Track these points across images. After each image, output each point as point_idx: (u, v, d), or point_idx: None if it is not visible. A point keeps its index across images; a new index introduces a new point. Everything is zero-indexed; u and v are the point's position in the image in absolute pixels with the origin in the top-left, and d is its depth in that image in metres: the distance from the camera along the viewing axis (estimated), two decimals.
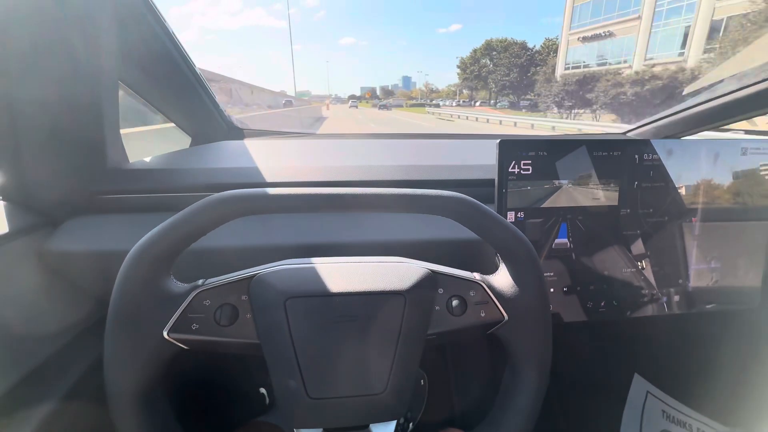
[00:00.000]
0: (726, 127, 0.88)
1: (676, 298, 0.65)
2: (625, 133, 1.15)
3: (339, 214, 0.61)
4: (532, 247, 0.39)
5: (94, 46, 0.58)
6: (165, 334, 0.34)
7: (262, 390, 0.93)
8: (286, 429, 0.63)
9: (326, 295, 0.36)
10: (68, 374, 0.55)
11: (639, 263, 0.63)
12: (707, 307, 0.65)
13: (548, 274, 0.61)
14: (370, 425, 0.41)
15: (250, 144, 0.95)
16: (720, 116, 0.86)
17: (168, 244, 0.34)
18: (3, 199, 0.57)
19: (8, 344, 0.48)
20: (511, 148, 0.57)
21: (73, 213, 0.60)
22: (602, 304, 0.62)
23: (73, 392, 0.54)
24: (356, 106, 64.32)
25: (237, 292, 0.36)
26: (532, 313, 0.39)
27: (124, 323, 0.34)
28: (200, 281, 0.37)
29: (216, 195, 0.34)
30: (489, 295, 0.39)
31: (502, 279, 0.40)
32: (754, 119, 0.87)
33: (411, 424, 0.94)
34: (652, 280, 0.64)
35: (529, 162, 0.57)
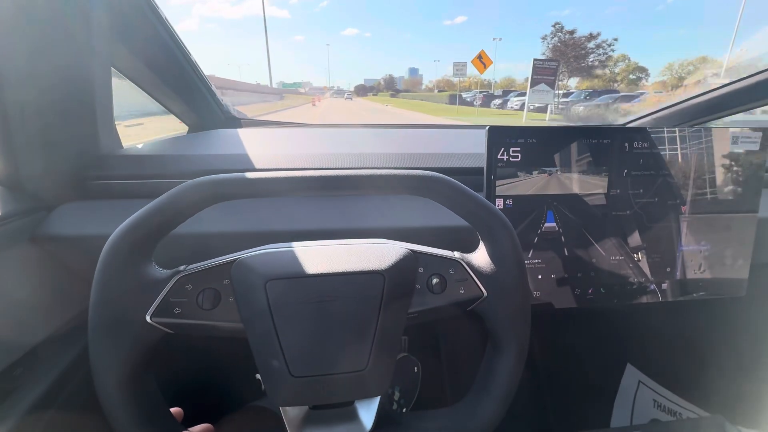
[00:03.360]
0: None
1: (666, 285, 0.65)
2: (624, 125, 1.14)
3: (328, 201, 0.62)
4: (508, 222, 0.39)
5: (86, 31, 0.57)
6: (148, 318, 0.35)
7: (258, 376, 0.94)
8: (273, 408, 0.64)
9: (306, 277, 0.36)
10: (61, 358, 0.56)
11: (635, 255, 0.63)
12: (696, 295, 0.65)
13: (537, 261, 0.61)
14: (355, 402, 0.41)
15: (245, 132, 0.95)
16: (718, 108, 0.85)
17: (148, 229, 0.34)
18: None
19: (1, 327, 0.49)
20: (500, 135, 0.57)
21: (66, 198, 0.60)
22: (590, 291, 0.63)
23: (65, 375, 0.55)
24: (351, 99, 61.12)
25: (219, 277, 0.37)
26: (510, 287, 0.39)
27: (107, 308, 0.34)
28: (182, 267, 0.37)
29: (193, 180, 0.35)
30: (468, 272, 0.39)
31: (480, 256, 0.40)
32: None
33: (404, 410, 0.95)
34: (645, 268, 0.64)
35: (518, 149, 0.57)
